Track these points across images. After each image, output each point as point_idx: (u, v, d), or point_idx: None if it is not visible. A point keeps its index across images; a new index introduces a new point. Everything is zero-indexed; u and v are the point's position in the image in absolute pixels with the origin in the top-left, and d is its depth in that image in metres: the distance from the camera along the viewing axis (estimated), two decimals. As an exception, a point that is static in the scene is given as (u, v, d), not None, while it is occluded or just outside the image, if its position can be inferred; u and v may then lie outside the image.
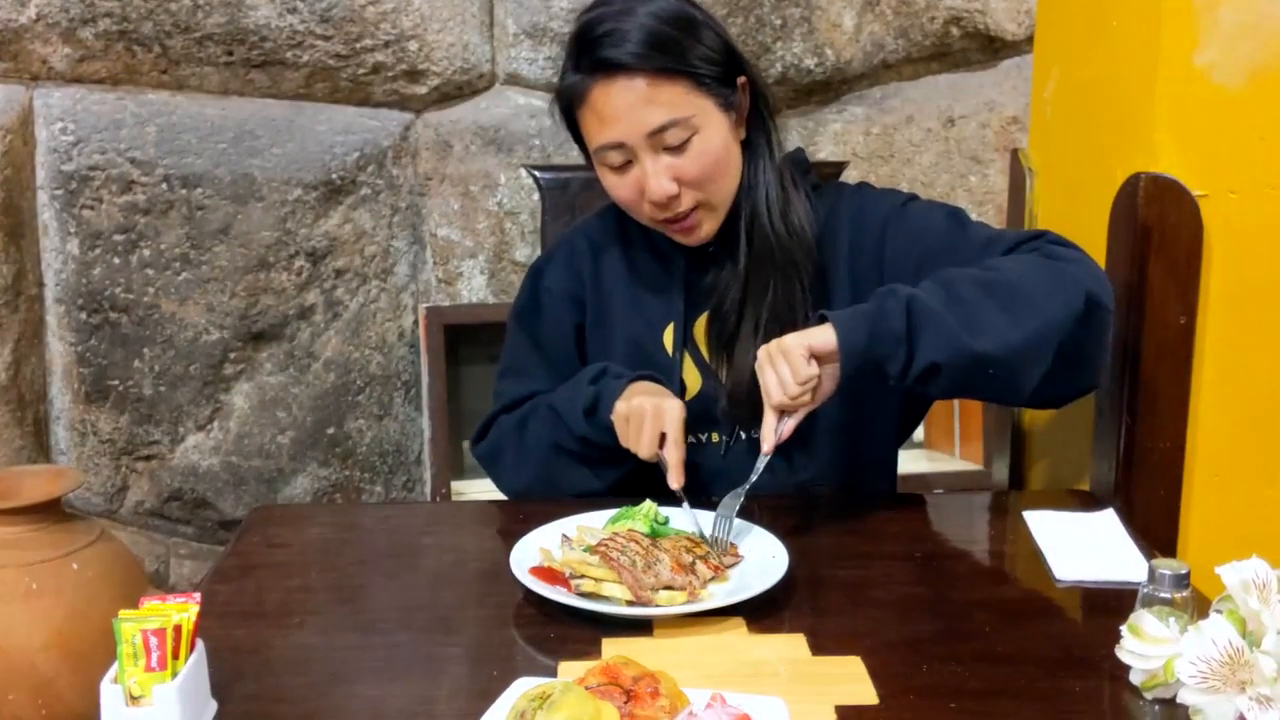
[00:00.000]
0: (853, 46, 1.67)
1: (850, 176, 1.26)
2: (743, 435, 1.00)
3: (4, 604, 1.11)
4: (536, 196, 1.34)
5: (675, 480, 0.89)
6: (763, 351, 0.85)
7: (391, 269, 1.67)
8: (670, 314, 1.00)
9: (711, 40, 0.92)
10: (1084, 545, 0.88)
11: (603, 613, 0.76)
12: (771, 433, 0.85)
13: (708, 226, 0.96)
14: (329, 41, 1.56)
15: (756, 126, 0.97)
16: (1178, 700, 0.64)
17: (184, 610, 0.64)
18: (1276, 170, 0.97)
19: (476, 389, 1.67)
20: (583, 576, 0.79)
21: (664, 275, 1.01)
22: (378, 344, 1.68)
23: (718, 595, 0.79)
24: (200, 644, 0.66)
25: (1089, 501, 1.01)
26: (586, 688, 0.62)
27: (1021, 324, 0.83)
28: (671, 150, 0.91)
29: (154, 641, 0.62)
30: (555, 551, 0.85)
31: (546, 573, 0.81)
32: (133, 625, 0.62)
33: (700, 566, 0.80)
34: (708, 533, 0.87)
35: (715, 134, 0.92)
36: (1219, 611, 0.65)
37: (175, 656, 0.63)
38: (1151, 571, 0.70)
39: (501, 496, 1.06)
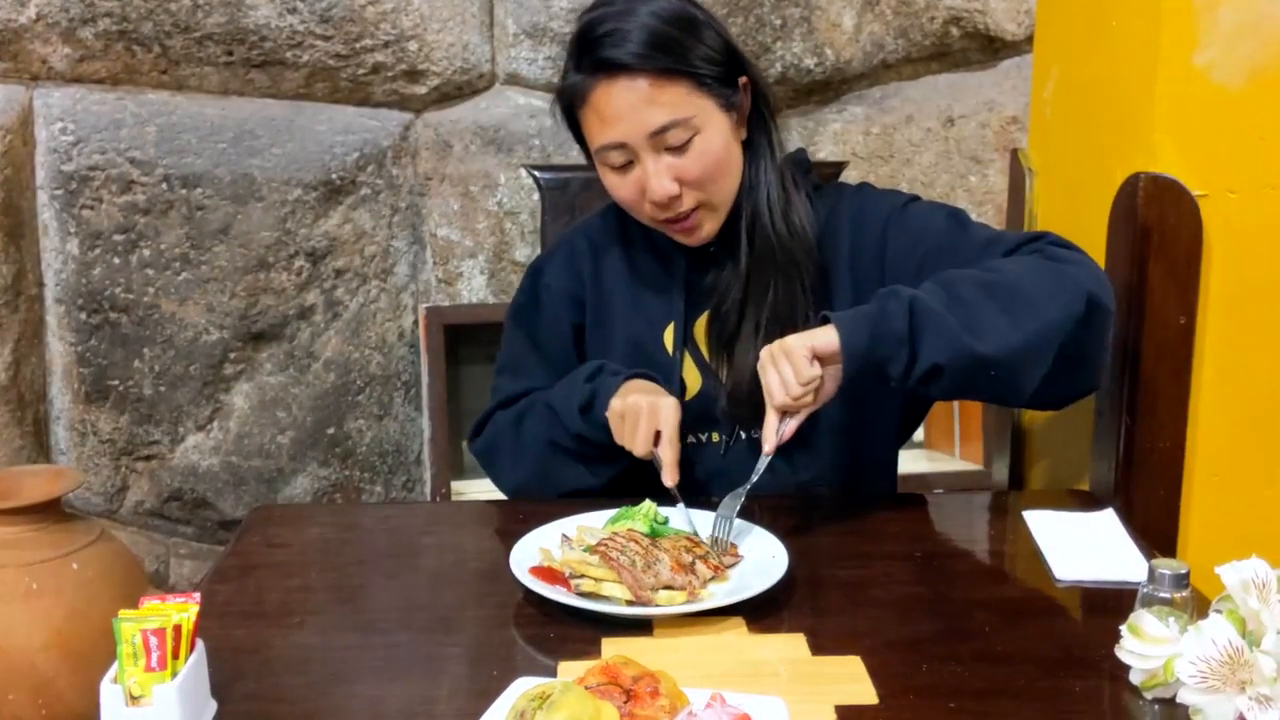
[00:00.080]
0: (852, 46, 1.67)
1: (850, 176, 1.26)
2: (743, 435, 1.00)
3: (4, 604, 1.11)
4: (536, 196, 1.34)
5: (669, 478, 0.89)
6: (765, 352, 0.85)
7: (391, 269, 1.67)
8: (671, 313, 1.00)
9: (713, 40, 0.92)
10: (1084, 545, 0.88)
11: (602, 612, 0.76)
12: (773, 433, 0.85)
13: (709, 227, 0.96)
14: (329, 41, 1.56)
15: (758, 127, 0.97)
16: (1177, 700, 0.64)
17: (184, 610, 0.64)
18: (1276, 170, 0.97)
19: (476, 389, 1.67)
20: (583, 576, 0.79)
21: (664, 275, 1.01)
22: (378, 344, 1.68)
23: (717, 595, 0.79)
24: (200, 644, 0.66)
25: (1089, 501, 1.01)
26: (586, 687, 0.62)
27: (1022, 325, 0.83)
28: (673, 150, 0.91)
29: (154, 641, 0.62)
30: (555, 551, 0.85)
31: (546, 572, 0.81)
32: (133, 625, 0.62)
33: (700, 566, 0.80)
34: (705, 532, 0.87)
35: (716, 134, 0.92)
36: (1219, 611, 0.65)
37: (175, 656, 0.63)
38: (1151, 571, 0.70)
39: (501, 496, 1.06)
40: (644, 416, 0.89)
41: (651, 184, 0.91)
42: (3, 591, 1.12)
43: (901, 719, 0.65)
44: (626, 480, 0.96)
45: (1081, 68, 1.13)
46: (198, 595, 0.66)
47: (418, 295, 1.70)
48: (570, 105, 0.94)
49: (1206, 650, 0.62)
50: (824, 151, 1.70)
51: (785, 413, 0.85)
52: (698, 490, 0.99)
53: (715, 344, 0.99)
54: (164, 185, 1.57)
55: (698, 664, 0.71)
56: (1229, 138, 0.97)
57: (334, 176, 1.61)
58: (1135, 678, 0.67)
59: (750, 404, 0.94)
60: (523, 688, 0.63)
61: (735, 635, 0.75)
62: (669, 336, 1.00)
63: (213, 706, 0.67)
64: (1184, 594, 0.69)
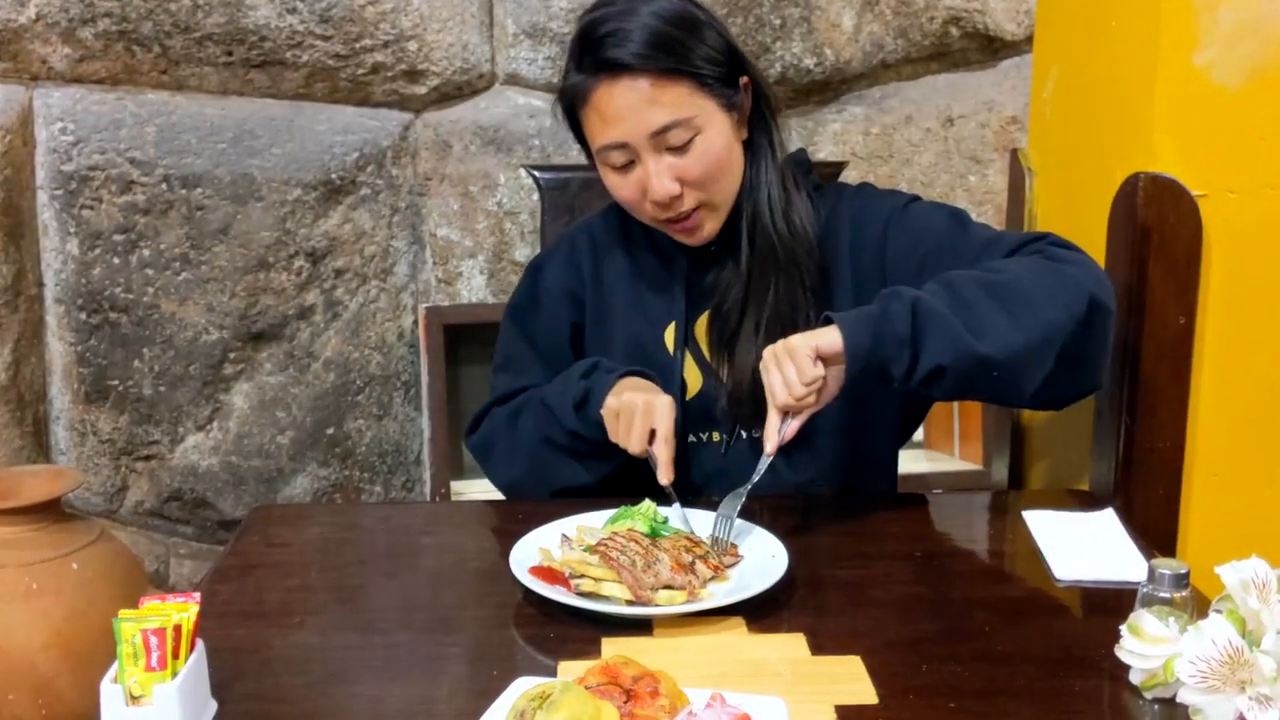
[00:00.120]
0: (852, 46, 1.67)
1: (849, 176, 1.26)
2: (743, 435, 1.00)
3: (4, 604, 1.11)
4: (536, 196, 1.34)
5: (664, 476, 0.89)
6: (769, 352, 0.85)
7: (391, 269, 1.67)
8: (671, 313, 1.00)
9: (714, 40, 0.92)
10: (1083, 545, 0.88)
11: (602, 612, 0.76)
12: (775, 433, 0.85)
13: (710, 226, 0.96)
14: (328, 41, 1.56)
15: (759, 127, 0.97)
16: (1177, 700, 0.64)
17: (184, 610, 0.64)
18: (1276, 170, 0.97)
19: (476, 389, 1.67)
20: (582, 576, 0.79)
21: (666, 274, 1.01)
22: (377, 344, 1.68)
23: (717, 595, 0.79)
24: (200, 644, 0.66)
25: (1089, 501, 1.01)
26: (586, 687, 0.62)
27: (1024, 326, 0.83)
28: (674, 150, 0.91)
29: (154, 641, 0.62)
30: (555, 551, 0.85)
31: (546, 572, 0.81)
32: (133, 625, 0.62)
33: (700, 566, 0.80)
34: (702, 532, 0.87)
35: (717, 134, 0.92)
36: (1218, 611, 0.65)
37: (175, 656, 0.63)
38: (1151, 571, 0.70)
39: (501, 497, 1.06)
40: (639, 414, 0.89)
41: (653, 184, 0.91)
42: (3, 591, 1.12)
43: (901, 719, 0.65)
44: (621, 478, 0.96)
45: (1081, 68, 1.13)
46: (198, 595, 0.66)
47: (417, 295, 1.70)
48: (571, 105, 0.94)
49: (1206, 650, 0.62)
50: (823, 152, 1.70)
51: (787, 413, 0.85)
52: (698, 490, 0.99)
53: (716, 343, 0.99)
54: (164, 185, 1.57)
55: (698, 664, 0.71)
56: (1229, 138, 0.97)
57: (334, 176, 1.61)
58: (1135, 678, 0.67)
59: (751, 404, 0.94)
60: (523, 687, 0.63)
61: (735, 635, 0.75)
62: (670, 336, 1.00)
63: (213, 706, 0.67)
64: (1184, 594, 0.69)
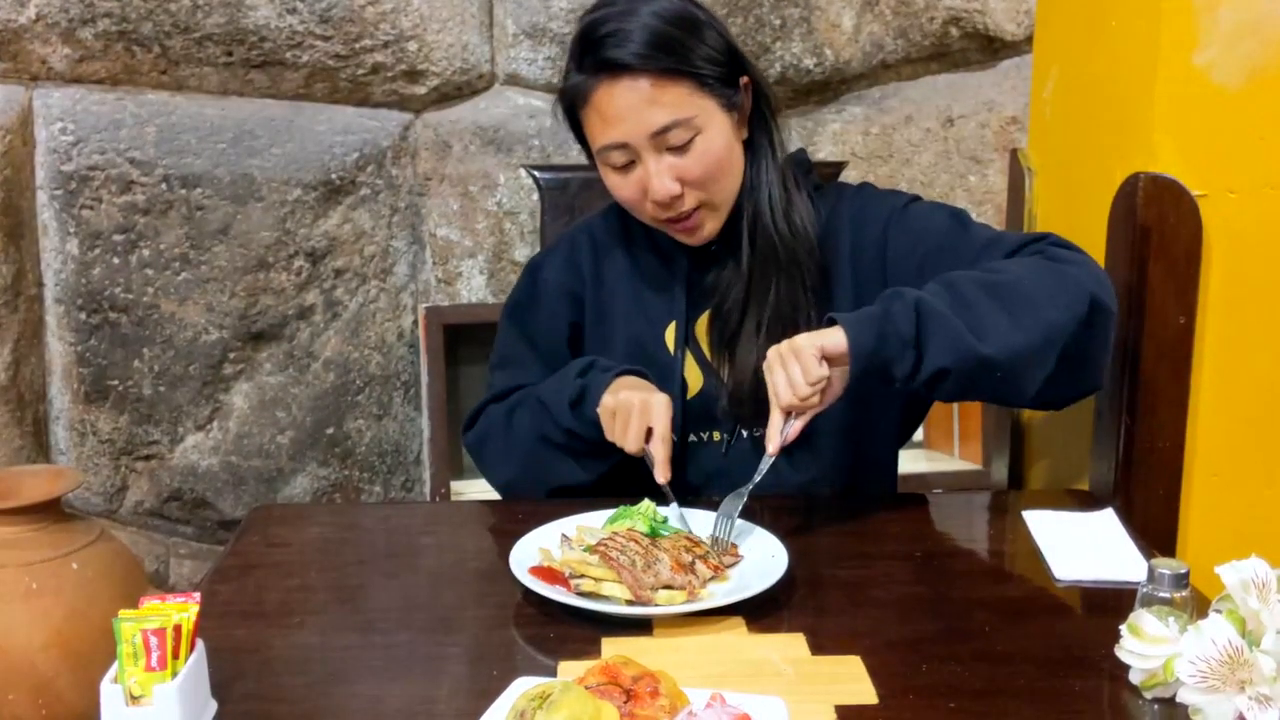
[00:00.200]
0: (852, 46, 1.67)
1: (849, 176, 1.26)
2: (744, 434, 1.00)
3: (4, 604, 1.11)
4: (536, 196, 1.34)
5: (661, 475, 0.89)
6: (773, 351, 0.85)
7: (391, 269, 1.67)
8: (672, 312, 1.00)
9: (714, 40, 0.92)
10: (1083, 545, 0.88)
11: (602, 612, 0.76)
12: (777, 434, 0.85)
13: (710, 226, 0.96)
14: (328, 42, 1.56)
15: (759, 127, 0.97)
16: (1177, 700, 0.64)
17: (184, 610, 0.64)
18: (1276, 170, 0.97)
19: (476, 389, 1.67)
20: (582, 576, 0.79)
21: (666, 274, 1.01)
22: (377, 344, 1.68)
23: (717, 595, 0.79)
24: (200, 644, 0.66)
25: (1088, 501, 1.01)
26: (586, 687, 0.62)
27: (1025, 327, 0.83)
28: (674, 150, 0.91)
29: (154, 641, 0.62)
30: (555, 551, 0.85)
31: (546, 572, 0.81)
32: (133, 625, 0.62)
33: (700, 566, 0.80)
34: (704, 531, 0.87)
35: (718, 134, 0.92)
36: (1218, 611, 0.65)
37: (175, 656, 0.63)
38: (1151, 571, 0.70)
39: (501, 497, 1.06)
40: (636, 413, 0.89)
41: (653, 184, 0.91)
42: (3, 591, 1.12)
43: (901, 719, 0.65)
44: (618, 477, 0.96)
45: (1081, 68, 1.13)
46: (198, 595, 0.66)
47: (417, 295, 1.70)
48: (572, 105, 0.94)
49: (1206, 650, 0.62)
50: (823, 152, 1.70)
51: (790, 413, 0.85)
52: (699, 490, 0.99)
53: (717, 343, 0.99)
54: (164, 185, 1.57)
55: (698, 664, 0.71)
56: (1229, 138, 0.97)
57: (333, 176, 1.61)
58: (1135, 677, 0.67)
59: (752, 403, 0.94)
60: (523, 687, 0.63)
61: (735, 635, 0.75)
62: (670, 335, 1.00)
63: (213, 706, 0.67)
64: (1183, 594, 0.69)
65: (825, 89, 1.71)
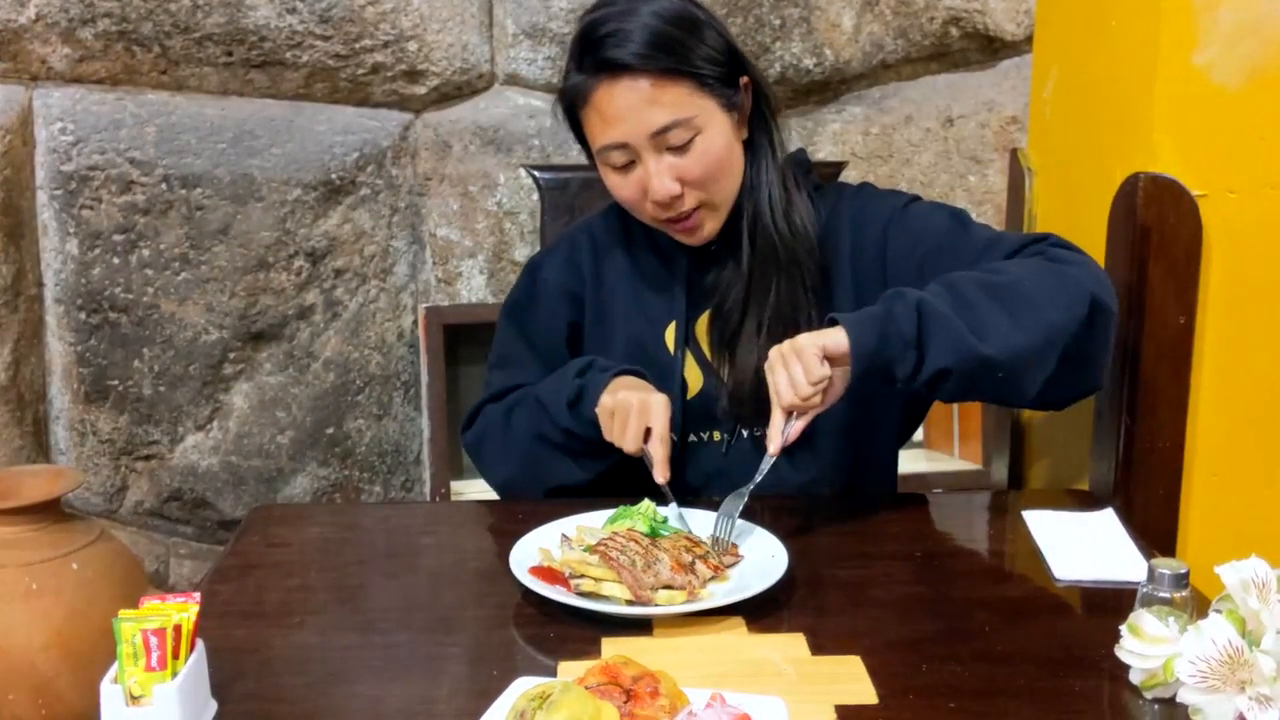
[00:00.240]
0: (852, 47, 1.67)
1: (849, 176, 1.26)
2: (744, 434, 1.00)
3: (4, 604, 1.11)
4: (536, 196, 1.34)
5: (660, 475, 0.89)
6: (775, 351, 0.85)
7: (391, 269, 1.67)
8: (672, 312, 1.00)
9: (714, 40, 0.92)
10: (1083, 545, 0.88)
11: (602, 612, 0.76)
12: (779, 433, 0.85)
13: (710, 226, 0.96)
14: (328, 42, 1.56)
15: (759, 127, 0.97)
16: (1177, 700, 0.64)
17: (184, 610, 0.65)
18: (1275, 170, 0.97)
19: (475, 389, 1.67)
20: (582, 576, 0.79)
21: (666, 274, 1.01)
22: (377, 344, 1.68)
23: (717, 595, 0.79)
24: (200, 644, 0.66)
25: (1088, 501, 1.01)
26: (586, 687, 0.62)
27: (1026, 327, 0.83)
28: (674, 150, 0.91)
29: (154, 641, 0.62)
30: (555, 551, 0.85)
31: (546, 572, 0.81)
32: (133, 625, 0.62)
33: (700, 566, 0.80)
34: (703, 531, 0.87)
35: (718, 134, 0.92)
36: (1218, 611, 0.65)
37: (175, 656, 0.63)
38: (1151, 571, 0.70)
39: (498, 496, 1.06)
40: (634, 413, 0.89)
41: (653, 184, 0.91)
42: (3, 591, 1.12)
43: (901, 718, 0.65)
44: (615, 477, 0.96)
45: (1081, 68, 1.13)
46: (197, 595, 0.67)
47: (417, 295, 1.70)
48: (572, 105, 0.94)
49: (1206, 650, 0.62)
50: (823, 151, 1.70)
51: (791, 413, 0.85)
52: (699, 490, 0.99)
53: (717, 343, 0.99)
54: (163, 185, 1.57)
55: (698, 664, 0.71)
56: (1228, 138, 0.97)
57: (333, 176, 1.61)
58: (1135, 677, 0.67)
59: (753, 403, 0.94)
60: (523, 687, 0.63)
61: (735, 635, 0.75)
62: (670, 335, 1.00)
63: (213, 706, 0.67)
64: (1183, 594, 0.69)
65: (825, 89, 1.71)
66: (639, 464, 0.92)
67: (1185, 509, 1.00)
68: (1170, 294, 0.97)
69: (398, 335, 1.69)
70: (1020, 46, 1.68)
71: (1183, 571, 0.70)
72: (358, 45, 1.56)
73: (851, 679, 0.69)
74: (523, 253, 1.68)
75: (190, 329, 1.60)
